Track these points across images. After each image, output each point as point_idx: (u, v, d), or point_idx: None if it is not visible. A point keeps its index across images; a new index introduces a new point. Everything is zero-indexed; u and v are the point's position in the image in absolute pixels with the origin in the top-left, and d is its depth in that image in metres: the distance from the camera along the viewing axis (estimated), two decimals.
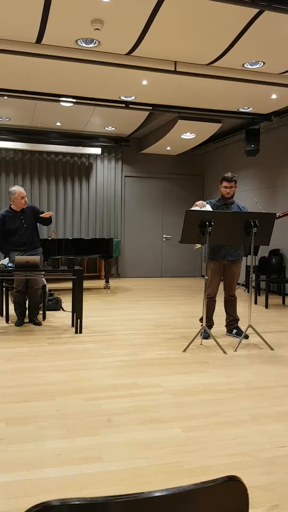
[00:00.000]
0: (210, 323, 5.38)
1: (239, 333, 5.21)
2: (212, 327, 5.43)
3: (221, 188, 5.26)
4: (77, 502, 0.70)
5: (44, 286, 5.99)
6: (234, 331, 5.33)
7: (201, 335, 4.99)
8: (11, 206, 5.71)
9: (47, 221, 5.86)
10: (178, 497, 0.74)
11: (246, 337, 5.13)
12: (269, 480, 2.26)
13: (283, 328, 5.76)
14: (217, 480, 0.77)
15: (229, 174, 5.22)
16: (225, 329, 5.47)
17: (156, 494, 0.72)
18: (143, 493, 0.72)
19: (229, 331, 5.39)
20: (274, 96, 7.01)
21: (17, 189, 5.67)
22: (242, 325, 5.55)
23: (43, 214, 5.78)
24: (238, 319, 5.41)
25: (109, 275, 9.30)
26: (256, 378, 3.83)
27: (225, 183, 5.22)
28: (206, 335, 5.04)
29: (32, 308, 5.78)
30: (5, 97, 7.19)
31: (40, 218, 5.80)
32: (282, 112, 7.99)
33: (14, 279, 5.64)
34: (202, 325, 4.89)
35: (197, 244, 5.08)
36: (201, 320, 5.39)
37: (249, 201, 9.44)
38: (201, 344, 4.89)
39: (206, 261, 5.18)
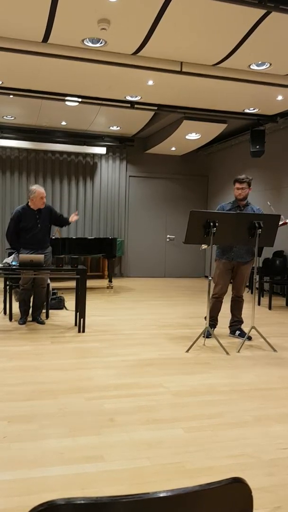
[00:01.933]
0: (214, 323, 5.39)
1: (242, 334, 5.20)
2: (215, 327, 5.42)
3: (234, 190, 5.21)
4: (82, 502, 0.71)
5: (48, 285, 6.00)
6: (237, 332, 5.32)
7: (204, 335, 4.99)
8: (29, 204, 5.64)
9: (65, 223, 5.88)
10: (183, 497, 0.74)
11: (249, 338, 5.13)
12: (271, 482, 2.25)
13: (286, 330, 5.75)
14: (222, 482, 0.77)
15: (241, 176, 5.15)
16: (228, 331, 5.47)
17: (161, 495, 0.73)
18: (148, 493, 0.72)
19: (232, 332, 5.39)
20: (280, 98, 7.00)
21: (38, 188, 5.57)
22: (246, 326, 5.55)
23: (72, 219, 5.82)
24: (242, 321, 5.40)
25: (112, 274, 9.30)
26: (258, 379, 3.82)
27: (237, 185, 5.15)
28: (208, 334, 5.06)
29: (36, 307, 5.80)
30: (11, 96, 7.20)
31: (57, 220, 5.82)
32: (287, 114, 7.98)
33: (21, 277, 5.64)
34: (206, 325, 4.89)
35: (203, 245, 5.05)
36: (206, 318, 5.42)
37: (254, 202, 9.43)
38: (204, 345, 4.89)
39: (211, 261, 5.17)
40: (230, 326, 5.43)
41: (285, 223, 5.34)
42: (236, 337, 5.28)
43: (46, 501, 0.71)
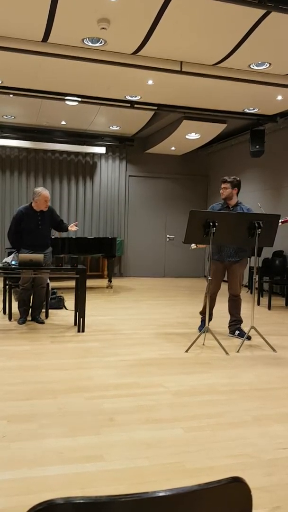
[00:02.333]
0: (205, 317, 5.42)
1: (242, 334, 5.21)
2: (210, 321, 5.42)
3: None
4: (81, 501, 0.70)
5: (47, 284, 6.00)
6: (237, 332, 5.32)
7: (205, 331, 4.96)
8: (32, 205, 5.65)
9: (63, 229, 5.93)
10: (182, 497, 0.74)
11: (249, 338, 5.14)
12: (271, 482, 2.25)
13: (286, 330, 5.75)
14: (221, 481, 0.77)
15: (226, 176, 5.33)
16: (228, 330, 5.47)
17: (160, 494, 0.73)
18: (147, 492, 0.72)
19: (232, 332, 5.39)
20: (279, 98, 7.00)
21: (42, 191, 5.57)
22: (245, 326, 5.55)
23: (72, 228, 5.83)
24: (241, 321, 5.40)
25: (112, 274, 9.30)
26: (258, 379, 3.82)
27: (221, 185, 5.34)
28: (200, 328, 5.33)
29: (36, 307, 5.80)
30: (11, 95, 7.20)
31: (57, 224, 5.85)
32: (287, 114, 7.98)
33: (21, 277, 5.65)
34: (206, 324, 4.89)
35: (192, 245, 5.17)
36: (200, 313, 5.56)
37: (254, 202, 9.43)
38: (203, 344, 4.89)
39: (210, 261, 5.19)
40: (230, 326, 5.44)
41: (286, 221, 5.40)
42: (235, 337, 5.28)
43: (45, 501, 0.71)
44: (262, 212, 6.60)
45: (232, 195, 5.26)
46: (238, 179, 5.29)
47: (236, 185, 5.26)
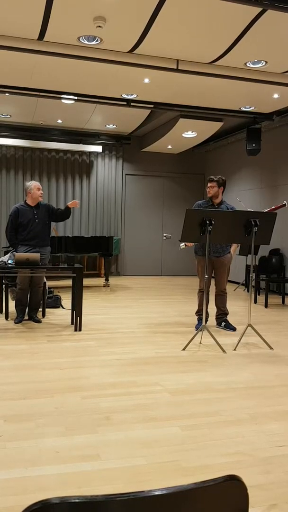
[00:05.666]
0: (201, 316, 5.50)
1: (227, 325, 5.54)
2: (206, 320, 5.44)
3: None
4: (77, 500, 0.70)
5: (44, 283, 5.99)
6: (223, 324, 5.62)
7: (202, 329, 4.97)
8: (26, 201, 5.79)
9: (65, 215, 5.92)
10: (178, 496, 0.74)
11: (234, 329, 5.46)
12: (267, 480, 2.26)
13: (283, 328, 5.77)
14: (217, 480, 0.77)
15: (213, 176, 5.54)
16: (215, 322, 5.74)
17: (157, 493, 0.72)
18: (143, 491, 0.72)
19: (219, 323, 5.69)
20: (276, 96, 7.00)
21: (33, 182, 5.82)
22: (242, 324, 5.57)
23: (69, 204, 5.86)
24: (227, 313, 5.65)
25: (109, 273, 9.29)
26: (255, 377, 3.83)
27: (208, 183, 5.53)
28: (197, 326, 5.45)
29: (33, 306, 5.79)
30: (6, 94, 7.17)
31: (58, 215, 5.88)
32: (283, 112, 7.98)
33: (18, 276, 5.65)
34: (203, 322, 4.92)
35: (182, 245, 5.32)
36: (196, 313, 5.72)
37: (250, 200, 9.44)
38: (200, 343, 4.89)
39: (206, 259, 5.21)
40: (217, 318, 5.72)
41: (283, 206, 5.60)
42: (222, 328, 5.58)
43: (40, 500, 0.70)
44: (242, 206, 6.68)
45: (218, 193, 5.50)
46: (223, 178, 5.54)
47: (222, 184, 5.49)
